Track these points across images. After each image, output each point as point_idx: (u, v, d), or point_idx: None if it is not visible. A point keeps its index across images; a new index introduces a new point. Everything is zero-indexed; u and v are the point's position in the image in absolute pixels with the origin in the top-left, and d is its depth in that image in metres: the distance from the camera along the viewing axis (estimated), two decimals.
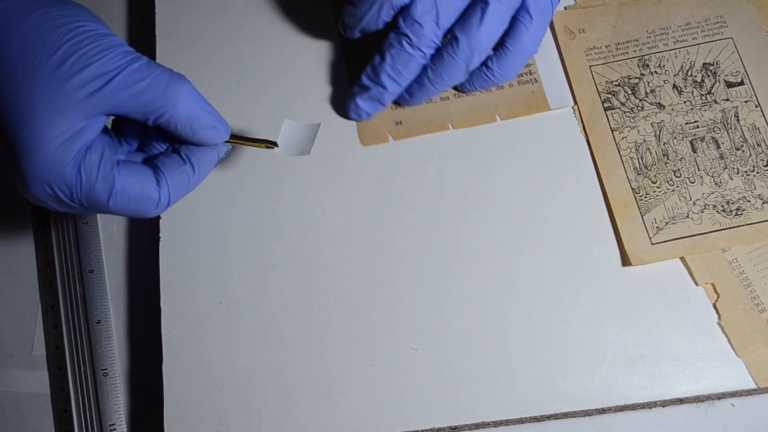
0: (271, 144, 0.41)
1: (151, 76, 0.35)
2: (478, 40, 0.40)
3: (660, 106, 0.44)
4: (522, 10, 0.41)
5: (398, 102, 0.45)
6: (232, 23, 0.48)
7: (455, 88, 0.45)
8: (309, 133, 0.42)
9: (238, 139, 0.39)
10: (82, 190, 0.35)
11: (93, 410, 0.43)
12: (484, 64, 0.42)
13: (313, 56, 0.47)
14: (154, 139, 0.38)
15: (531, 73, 0.45)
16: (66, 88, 0.34)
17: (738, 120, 0.44)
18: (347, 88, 0.46)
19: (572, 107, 0.45)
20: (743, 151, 0.43)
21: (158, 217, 0.43)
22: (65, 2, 0.35)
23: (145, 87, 0.35)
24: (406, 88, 0.43)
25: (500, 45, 0.42)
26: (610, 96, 0.45)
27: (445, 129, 0.44)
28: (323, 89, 0.46)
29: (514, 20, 0.41)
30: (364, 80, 0.43)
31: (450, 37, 0.41)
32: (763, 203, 0.42)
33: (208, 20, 0.48)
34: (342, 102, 0.45)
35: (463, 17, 0.41)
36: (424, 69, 0.42)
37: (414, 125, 0.45)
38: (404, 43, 0.41)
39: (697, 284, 0.41)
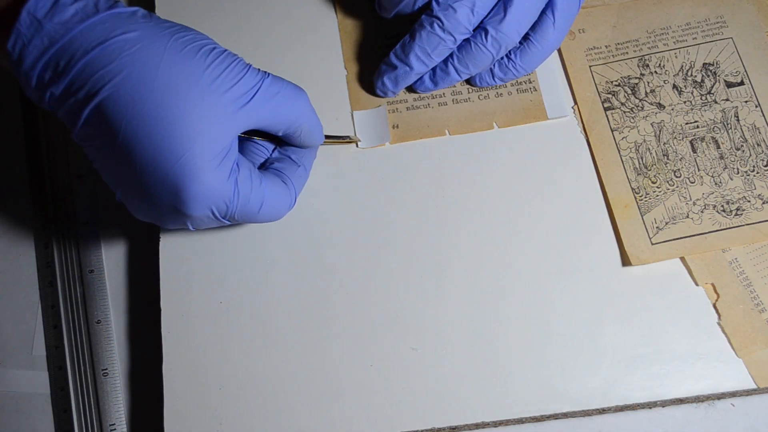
0: (354, 139, 0.44)
1: (282, 89, 0.37)
2: (507, 34, 0.41)
3: (660, 106, 0.44)
4: (550, 5, 0.42)
5: (418, 89, 0.45)
6: (229, 20, 0.48)
7: (469, 81, 0.45)
8: (381, 119, 0.44)
9: (327, 138, 0.42)
10: (237, 206, 0.36)
11: (93, 410, 0.43)
12: (507, 55, 0.43)
13: (312, 57, 0.47)
14: (256, 146, 0.40)
15: (530, 81, 0.45)
16: (222, 101, 0.35)
17: (738, 120, 0.44)
18: (346, 88, 0.46)
19: (572, 107, 0.45)
20: (743, 151, 0.43)
21: None
22: (184, 26, 0.37)
23: (280, 100, 0.37)
24: (430, 74, 0.44)
25: (525, 38, 0.43)
26: (610, 96, 0.45)
27: (441, 135, 0.44)
28: (323, 90, 0.46)
29: (542, 15, 0.42)
30: (392, 59, 0.43)
31: (479, 28, 0.41)
32: (763, 203, 0.42)
33: (206, 19, 0.48)
34: (340, 102, 0.45)
35: (494, 9, 0.41)
36: (451, 56, 0.43)
37: (411, 129, 0.45)
38: (435, 26, 0.41)
39: (697, 284, 0.41)
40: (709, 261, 0.41)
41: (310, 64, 0.47)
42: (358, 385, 0.40)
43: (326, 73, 0.47)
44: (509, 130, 0.44)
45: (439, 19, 0.41)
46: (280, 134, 0.38)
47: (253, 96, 0.36)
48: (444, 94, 0.45)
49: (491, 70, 0.44)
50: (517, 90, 0.45)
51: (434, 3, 0.41)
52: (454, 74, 0.43)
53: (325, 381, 0.40)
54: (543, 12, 0.42)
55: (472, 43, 0.42)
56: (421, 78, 0.44)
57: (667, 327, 0.40)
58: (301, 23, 0.48)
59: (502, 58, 0.43)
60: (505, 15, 0.40)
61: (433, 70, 0.44)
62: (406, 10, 0.43)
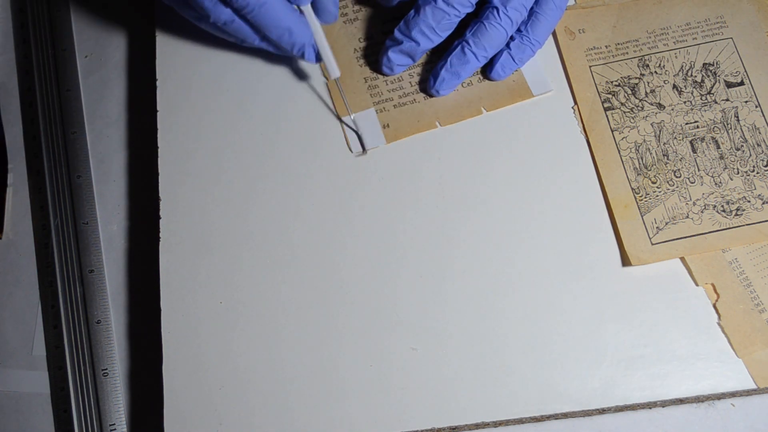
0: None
1: None
2: (515, 7, 0.42)
3: (660, 106, 0.44)
4: None
5: (440, 89, 0.44)
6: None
7: (484, 74, 0.45)
8: (370, 120, 0.44)
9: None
10: None
11: (93, 410, 0.43)
12: (518, 31, 0.44)
13: (292, 67, 0.47)
14: None
15: None
16: None
17: (738, 120, 0.44)
18: (329, 96, 0.46)
19: (572, 107, 0.45)
20: (743, 151, 0.43)
21: (158, 217, 0.43)
22: None
23: None
24: (448, 66, 0.44)
25: (530, 13, 0.43)
26: (610, 96, 0.45)
27: (432, 127, 0.45)
28: (307, 100, 0.46)
29: None
30: (397, 34, 0.44)
31: (488, 7, 0.42)
32: (763, 203, 0.42)
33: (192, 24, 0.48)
34: (326, 110, 0.45)
35: None
36: (466, 42, 0.43)
37: (401, 126, 0.45)
38: (439, 0, 0.42)
39: (697, 284, 0.41)
40: (709, 261, 0.41)
41: (292, 74, 0.46)
42: (358, 385, 0.40)
43: (307, 81, 0.46)
44: (512, 127, 0.44)
45: None
46: None
47: None
48: None
49: (510, 54, 0.44)
50: None
51: None
52: (473, 60, 0.43)
53: (325, 381, 0.40)
54: None
55: (486, 24, 0.42)
56: (440, 76, 0.44)
57: (667, 327, 0.40)
58: None
59: (515, 39, 0.44)
60: None
61: (450, 61, 0.44)
62: None
